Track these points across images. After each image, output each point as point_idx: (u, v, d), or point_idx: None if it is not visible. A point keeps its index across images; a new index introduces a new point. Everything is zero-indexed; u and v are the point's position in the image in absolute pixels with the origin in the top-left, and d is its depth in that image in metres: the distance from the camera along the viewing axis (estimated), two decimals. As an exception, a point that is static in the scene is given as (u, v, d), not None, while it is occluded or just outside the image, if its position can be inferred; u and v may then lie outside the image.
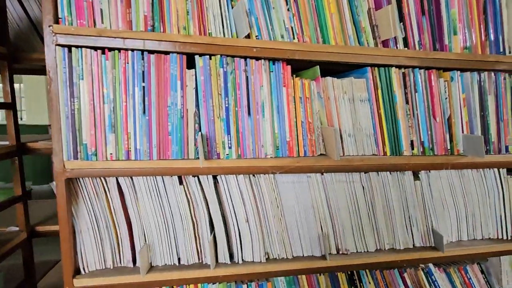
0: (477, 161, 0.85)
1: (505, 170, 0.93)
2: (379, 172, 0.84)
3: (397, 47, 0.80)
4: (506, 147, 0.89)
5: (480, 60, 0.81)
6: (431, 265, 0.94)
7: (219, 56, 0.70)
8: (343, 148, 0.80)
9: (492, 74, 0.85)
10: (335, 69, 0.86)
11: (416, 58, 0.78)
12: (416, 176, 0.88)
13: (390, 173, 0.85)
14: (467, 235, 0.94)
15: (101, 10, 0.64)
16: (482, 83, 0.84)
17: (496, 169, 0.91)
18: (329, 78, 0.77)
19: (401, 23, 0.80)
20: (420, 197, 0.88)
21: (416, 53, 0.78)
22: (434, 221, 0.90)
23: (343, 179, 0.83)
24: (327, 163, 0.76)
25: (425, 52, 0.78)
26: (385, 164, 0.80)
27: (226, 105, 0.71)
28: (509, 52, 0.86)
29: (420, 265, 0.94)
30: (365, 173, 0.84)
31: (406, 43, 0.81)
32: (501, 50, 0.85)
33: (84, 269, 0.71)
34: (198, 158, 0.69)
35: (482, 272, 0.99)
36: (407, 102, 0.81)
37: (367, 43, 0.79)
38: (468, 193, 0.92)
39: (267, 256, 0.81)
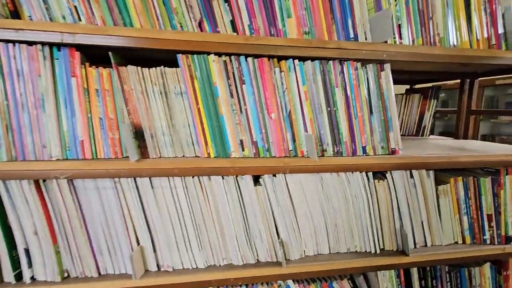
0: (319, 165, 0.74)
1: (371, 173, 0.82)
2: (210, 177, 0.73)
3: (218, 31, 0.69)
4: (363, 148, 0.77)
5: (317, 47, 0.70)
6: (290, 282, 0.83)
7: (-29, 39, 0.59)
8: (155, 149, 0.69)
9: (338, 63, 0.73)
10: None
11: (234, 44, 0.67)
12: (256, 181, 0.77)
13: (223, 178, 0.73)
14: (329, 248, 0.83)
15: None
16: (327, 74, 0.73)
17: (359, 173, 0.80)
18: (131, 67, 0.66)
19: (226, 3, 0.69)
20: (262, 205, 0.76)
21: (235, 37, 0.67)
22: (283, 233, 0.79)
23: (164, 185, 0.71)
24: (126, 167, 0.65)
25: (245, 37, 0.67)
26: (204, 168, 0.69)
27: (-11, 98, 0.60)
28: (365, 39, 0.75)
29: (278, 281, 0.83)
30: (192, 177, 0.72)
31: (234, 27, 0.70)
32: (352, 36, 0.74)
33: None
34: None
35: (354, 288, 0.88)
36: (232, 96, 0.70)
37: (181, 26, 0.68)
38: (328, 200, 0.81)
39: (66, 274, 0.70)
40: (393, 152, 0.79)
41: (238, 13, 0.69)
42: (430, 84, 1.42)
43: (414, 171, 0.84)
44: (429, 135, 1.32)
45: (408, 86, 1.54)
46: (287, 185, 0.78)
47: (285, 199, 0.78)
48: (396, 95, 1.35)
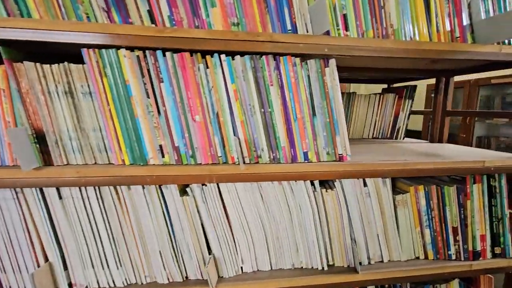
0: (252, 173, 0.65)
1: (317, 182, 0.74)
2: (130, 186, 0.65)
3: (131, 23, 0.61)
4: (305, 154, 0.69)
5: (246, 40, 0.62)
6: (228, 301, 0.75)
7: None
8: (60, 156, 0.62)
9: (272, 59, 0.65)
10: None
11: (147, 37, 0.59)
12: (183, 191, 0.69)
13: (143, 188, 0.66)
14: (270, 264, 0.75)
15: None
16: (259, 71, 0.65)
17: (303, 182, 0.72)
18: (29, 64, 0.58)
19: (142, -9, 0.61)
20: (190, 217, 0.68)
21: (146, 29, 0.59)
22: (215, 247, 0.71)
23: (74, 195, 0.64)
24: (23, 176, 0.58)
25: (158, 29, 0.59)
26: (116, 177, 0.61)
27: None
28: (306, 31, 0.66)
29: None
30: (115, 187, 0.65)
31: (153, 19, 0.62)
32: (289, 28, 0.65)
33: None
34: None
35: (303, 308, 0.79)
36: (148, 95, 0.62)
37: (88, 16, 0.60)
38: (268, 211, 0.73)
39: (-37, 295, 0.63)
40: (340, 158, 0.70)
41: (156, 2, 0.61)
42: (407, 83, 1.32)
43: (368, 179, 0.75)
44: (403, 138, 1.23)
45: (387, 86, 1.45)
46: (220, 194, 0.70)
47: (218, 210, 0.70)
48: (369, 95, 1.26)
